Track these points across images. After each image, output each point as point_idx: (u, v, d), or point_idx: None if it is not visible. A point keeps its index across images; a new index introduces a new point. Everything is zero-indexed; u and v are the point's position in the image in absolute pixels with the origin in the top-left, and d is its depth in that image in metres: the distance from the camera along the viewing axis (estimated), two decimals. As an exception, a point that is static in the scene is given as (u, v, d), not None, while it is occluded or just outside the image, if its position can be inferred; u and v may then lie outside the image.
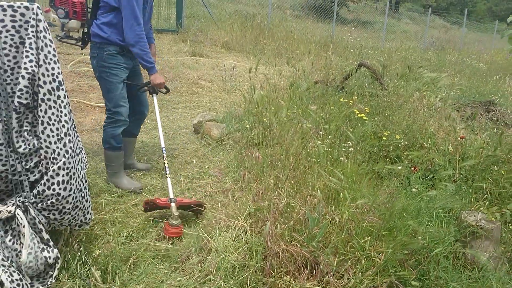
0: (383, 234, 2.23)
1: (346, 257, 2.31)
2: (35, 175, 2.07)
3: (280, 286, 2.25)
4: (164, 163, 3.13)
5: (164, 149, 3.20)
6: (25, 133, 2.00)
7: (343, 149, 3.33)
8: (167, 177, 3.03)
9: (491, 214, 2.45)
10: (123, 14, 2.92)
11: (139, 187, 3.30)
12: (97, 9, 3.05)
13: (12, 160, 1.99)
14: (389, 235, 2.24)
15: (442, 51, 13.66)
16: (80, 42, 3.21)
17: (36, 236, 2.06)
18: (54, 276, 2.10)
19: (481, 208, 2.68)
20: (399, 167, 2.68)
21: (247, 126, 3.73)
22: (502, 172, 2.92)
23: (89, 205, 2.29)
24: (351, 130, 3.26)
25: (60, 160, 2.02)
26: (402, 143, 3.21)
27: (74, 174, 2.09)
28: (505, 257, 2.59)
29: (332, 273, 2.20)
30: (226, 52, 9.66)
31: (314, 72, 6.29)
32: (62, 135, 2.02)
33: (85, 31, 3.20)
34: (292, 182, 2.78)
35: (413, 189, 2.56)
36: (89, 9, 3.15)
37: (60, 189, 2.03)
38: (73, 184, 2.09)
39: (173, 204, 2.78)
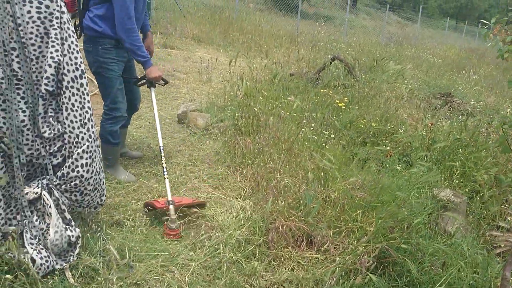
0: (374, 206, 2.53)
1: (340, 229, 2.60)
2: (57, 159, 2.19)
3: (283, 257, 2.51)
4: (162, 164, 2.97)
5: (162, 148, 3.07)
6: (50, 119, 2.12)
7: (326, 136, 3.63)
8: (165, 179, 2.90)
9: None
10: (114, 7, 2.82)
11: (134, 180, 3.33)
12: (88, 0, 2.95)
13: (37, 144, 2.11)
14: (378, 207, 2.55)
15: (400, 46, 14.40)
16: None
17: (59, 217, 2.19)
18: (76, 253, 2.24)
19: (450, 185, 3.06)
20: (386, 147, 3.01)
21: (237, 115, 3.93)
22: (466, 154, 3.33)
23: (104, 188, 2.44)
24: (335, 118, 3.56)
25: (84, 144, 2.15)
26: (384, 128, 3.55)
27: (95, 157, 2.23)
28: (471, 227, 3.00)
29: (329, 243, 2.48)
30: (196, 44, 9.74)
31: (287, 64, 6.58)
32: (86, 121, 2.16)
33: (77, 23, 3.08)
34: (287, 165, 3.04)
35: (397, 167, 2.90)
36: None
37: (84, 171, 2.17)
38: (94, 167, 2.24)
39: (171, 207, 2.70)
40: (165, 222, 2.71)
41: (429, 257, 2.50)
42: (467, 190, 3.20)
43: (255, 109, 3.75)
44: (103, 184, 2.40)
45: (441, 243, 2.60)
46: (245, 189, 3.11)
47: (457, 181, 3.11)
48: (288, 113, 3.56)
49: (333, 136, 3.62)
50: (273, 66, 5.60)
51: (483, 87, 7.22)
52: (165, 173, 2.94)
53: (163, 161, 2.99)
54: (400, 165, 3.10)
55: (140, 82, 3.30)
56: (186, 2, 13.21)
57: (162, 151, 3.05)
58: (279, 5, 17.53)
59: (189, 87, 6.42)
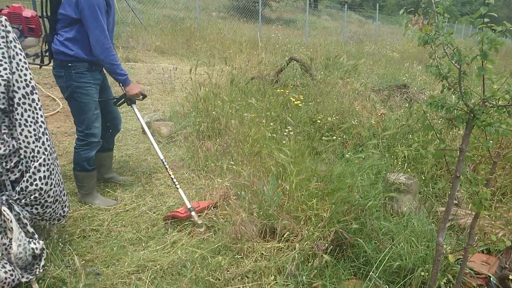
0: (328, 193, 2.69)
1: (299, 218, 2.74)
2: (15, 175, 2.24)
3: (247, 250, 2.62)
4: (170, 175, 3.05)
5: (164, 160, 3.12)
6: (4, 136, 2.17)
7: (284, 134, 3.78)
8: (177, 188, 2.99)
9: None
10: (86, 27, 2.72)
11: (115, 203, 3.22)
12: (55, 22, 2.82)
13: (-7, 162, 2.15)
14: (331, 193, 2.71)
15: (360, 44, 14.84)
16: (39, 60, 2.98)
17: (21, 231, 2.24)
18: (41, 265, 2.29)
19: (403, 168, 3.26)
20: (334, 137, 3.17)
21: (197, 120, 4.04)
22: (415, 138, 3.55)
23: (66, 199, 2.50)
24: (289, 115, 3.71)
25: (41, 158, 2.21)
26: (334, 121, 3.73)
27: (53, 170, 2.29)
28: (423, 205, 3.19)
29: (289, 232, 2.61)
30: (159, 56, 9.81)
31: (248, 69, 6.73)
32: (40, 135, 2.22)
33: (46, 47, 2.95)
34: (246, 162, 3.17)
35: (347, 155, 3.08)
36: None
37: (42, 184, 2.22)
38: (53, 179, 2.30)
39: (193, 214, 2.85)
40: (192, 230, 2.83)
41: (383, 237, 2.67)
42: (417, 172, 3.41)
43: (214, 113, 3.87)
44: (64, 195, 2.45)
45: (393, 223, 2.77)
46: (208, 189, 3.21)
47: (407, 164, 3.31)
48: (246, 114, 3.70)
49: (292, 132, 3.77)
50: (233, 72, 5.72)
51: (429, 77, 7.61)
52: (176, 183, 3.01)
53: (170, 172, 3.07)
54: (353, 154, 3.28)
55: (120, 101, 3.22)
56: (147, 15, 13.25)
57: (165, 163, 3.10)
58: (240, 12, 17.78)
59: (153, 98, 6.48)
